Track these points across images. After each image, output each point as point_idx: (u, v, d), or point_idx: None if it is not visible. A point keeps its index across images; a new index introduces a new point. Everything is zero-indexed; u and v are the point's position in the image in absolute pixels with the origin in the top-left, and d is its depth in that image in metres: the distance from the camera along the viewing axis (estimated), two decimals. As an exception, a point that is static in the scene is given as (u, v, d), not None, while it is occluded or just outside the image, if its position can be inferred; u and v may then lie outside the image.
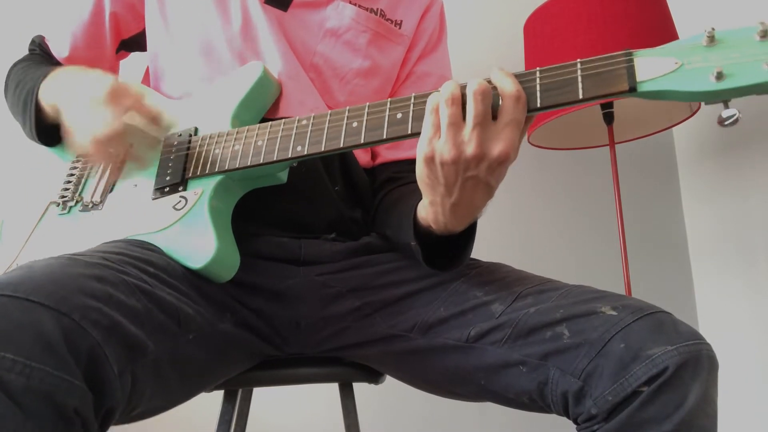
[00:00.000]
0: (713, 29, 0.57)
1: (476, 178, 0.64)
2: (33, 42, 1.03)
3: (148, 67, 0.98)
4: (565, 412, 0.67)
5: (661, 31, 1.39)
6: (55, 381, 0.50)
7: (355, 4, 0.93)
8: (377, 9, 0.95)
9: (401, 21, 0.97)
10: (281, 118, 0.78)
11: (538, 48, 1.48)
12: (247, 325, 0.81)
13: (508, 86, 0.62)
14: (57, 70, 0.89)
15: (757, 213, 1.71)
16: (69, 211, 0.86)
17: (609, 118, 1.48)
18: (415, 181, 0.69)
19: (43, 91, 0.87)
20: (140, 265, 0.67)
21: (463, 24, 1.72)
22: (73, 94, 0.80)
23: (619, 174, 1.50)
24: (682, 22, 1.54)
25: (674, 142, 2.00)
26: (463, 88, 0.63)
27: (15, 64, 0.99)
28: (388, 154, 0.96)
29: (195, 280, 0.74)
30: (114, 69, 1.03)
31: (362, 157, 0.95)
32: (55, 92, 0.85)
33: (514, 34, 1.63)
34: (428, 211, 0.70)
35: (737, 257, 1.78)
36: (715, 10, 1.80)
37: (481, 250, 0.86)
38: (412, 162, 0.69)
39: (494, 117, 0.63)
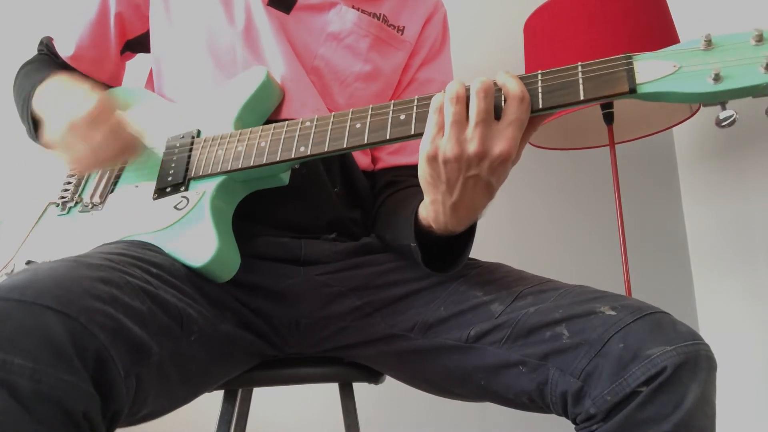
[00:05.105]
0: (709, 34, 0.59)
1: (477, 177, 0.65)
2: (41, 42, 1.04)
3: (152, 69, 0.99)
4: (564, 412, 0.67)
5: (661, 31, 1.39)
6: (64, 385, 0.50)
7: (357, 9, 0.93)
8: (380, 14, 0.95)
9: (403, 27, 0.97)
10: (283, 120, 0.78)
11: (538, 48, 1.48)
12: (248, 325, 0.81)
13: (512, 87, 0.63)
14: (50, 78, 0.90)
15: (757, 213, 1.71)
16: (68, 212, 0.86)
17: (609, 118, 1.48)
18: (415, 185, 0.69)
19: (36, 99, 0.89)
20: (143, 265, 0.67)
21: (463, 24, 1.72)
22: (57, 109, 0.81)
23: (619, 174, 1.50)
24: (682, 22, 1.54)
25: (674, 142, 2.00)
26: (467, 87, 0.64)
27: (22, 67, 1.00)
28: (389, 159, 0.96)
29: (197, 280, 0.74)
30: (119, 69, 1.03)
31: (362, 160, 0.95)
32: (44, 102, 0.87)
33: (514, 34, 1.63)
34: (429, 210, 0.70)
35: (737, 258, 1.78)
36: (715, 10, 1.79)
37: (481, 250, 0.86)
38: (412, 167, 0.70)
39: (498, 117, 0.64)
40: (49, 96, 0.87)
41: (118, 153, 0.79)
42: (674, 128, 1.76)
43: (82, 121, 0.76)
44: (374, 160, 0.98)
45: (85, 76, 0.99)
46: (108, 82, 1.02)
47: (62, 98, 0.83)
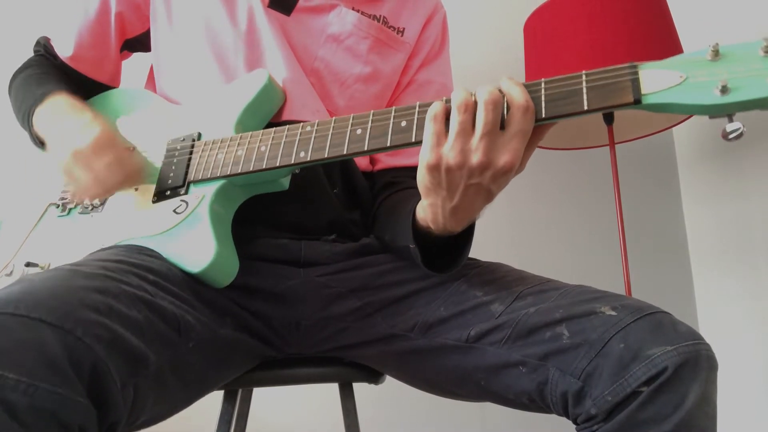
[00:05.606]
0: (717, 44, 0.57)
1: (479, 185, 0.65)
2: (38, 43, 1.03)
3: (152, 67, 0.98)
4: (564, 413, 0.67)
5: (661, 31, 1.39)
6: (59, 399, 0.49)
7: (357, 11, 0.93)
8: (379, 16, 0.95)
9: (403, 29, 0.97)
10: (284, 122, 0.78)
11: (538, 48, 1.48)
12: (247, 328, 0.80)
13: (517, 96, 0.62)
14: (51, 98, 0.88)
15: (757, 213, 1.71)
16: (68, 213, 0.86)
17: (609, 118, 1.48)
18: (414, 186, 0.69)
19: (36, 120, 0.88)
20: (140, 272, 0.67)
21: (463, 24, 1.72)
22: (60, 136, 0.81)
23: (619, 174, 1.50)
24: (682, 22, 1.54)
25: (674, 142, 2.00)
26: (473, 95, 0.63)
27: (19, 71, 0.99)
28: (388, 160, 0.96)
29: (195, 285, 0.74)
30: (117, 68, 1.03)
31: (361, 161, 0.95)
32: (45, 126, 0.87)
33: (514, 34, 1.63)
34: (427, 212, 0.70)
35: (737, 257, 1.78)
36: (715, 10, 1.79)
37: (481, 251, 0.86)
38: (411, 169, 0.69)
39: (501, 126, 0.63)
40: (50, 120, 0.86)
41: (123, 181, 0.79)
42: (674, 128, 1.76)
43: (86, 150, 0.77)
44: (373, 161, 0.98)
45: (85, 85, 0.98)
46: (108, 83, 1.02)
47: (65, 125, 0.83)
